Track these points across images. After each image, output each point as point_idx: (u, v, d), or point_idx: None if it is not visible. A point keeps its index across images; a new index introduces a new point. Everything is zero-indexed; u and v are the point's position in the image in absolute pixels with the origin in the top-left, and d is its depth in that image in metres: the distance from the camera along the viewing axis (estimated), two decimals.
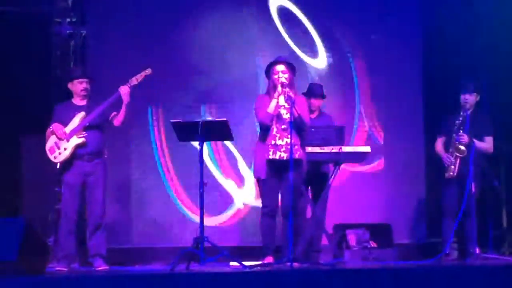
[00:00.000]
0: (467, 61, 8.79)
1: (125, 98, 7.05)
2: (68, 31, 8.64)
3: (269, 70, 7.02)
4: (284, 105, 6.88)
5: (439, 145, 7.72)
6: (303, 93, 7.52)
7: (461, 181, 7.44)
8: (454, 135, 7.49)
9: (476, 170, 7.36)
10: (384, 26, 8.99)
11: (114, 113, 7.14)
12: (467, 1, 8.77)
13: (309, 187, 7.50)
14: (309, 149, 7.09)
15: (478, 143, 7.40)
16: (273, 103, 6.86)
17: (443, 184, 7.63)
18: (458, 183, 7.49)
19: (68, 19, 8.64)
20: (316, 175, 7.42)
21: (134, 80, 7.13)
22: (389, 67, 8.96)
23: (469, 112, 7.52)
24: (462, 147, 7.43)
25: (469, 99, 7.58)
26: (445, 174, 7.54)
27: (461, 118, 7.50)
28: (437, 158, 7.72)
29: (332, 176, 7.32)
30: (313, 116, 7.55)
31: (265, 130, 6.94)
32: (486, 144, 7.55)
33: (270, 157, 6.86)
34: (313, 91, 7.63)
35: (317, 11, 8.93)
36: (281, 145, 6.84)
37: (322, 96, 7.71)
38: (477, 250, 7.40)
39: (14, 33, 8.40)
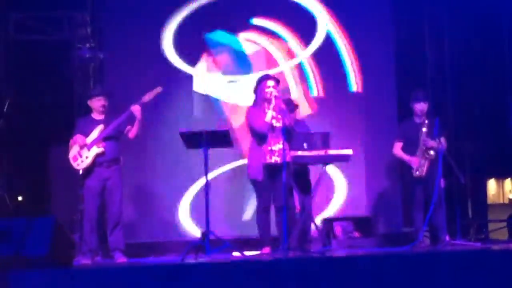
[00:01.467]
0: (436, 63, 8.82)
1: (137, 115, 7.03)
2: (87, 55, 8.66)
3: (258, 85, 7.01)
4: (274, 115, 6.88)
5: (398, 149, 7.64)
6: None
7: (428, 179, 7.40)
8: (422, 140, 7.42)
9: (443, 168, 7.33)
10: (356, 27, 8.90)
11: (129, 127, 7.12)
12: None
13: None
14: (299, 152, 7.10)
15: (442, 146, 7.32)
16: (269, 114, 6.85)
17: (411, 182, 7.53)
18: (425, 180, 7.44)
19: (88, 45, 8.66)
20: (301, 175, 7.43)
21: (146, 98, 7.09)
22: (365, 71, 8.87)
23: (424, 118, 7.48)
24: (432, 152, 7.39)
25: (424, 106, 7.54)
26: (414, 173, 7.45)
27: (425, 125, 7.43)
28: (400, 160, 7.66)
29: (321, 177, 7.34)
30: None
31: (261, 138, 6.92)
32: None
33: (268, 161, 6.87)
34: (288, 107, 7.48)
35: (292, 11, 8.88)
36: (275, 150, 6.85)
37: (295, 108, 7.68)
38: (447, 238, 7.40)
39: (41, 58, 8.45)
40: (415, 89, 7.75)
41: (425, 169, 7.43)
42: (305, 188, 7.48)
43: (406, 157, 7.54)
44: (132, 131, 7.12)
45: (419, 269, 5.76)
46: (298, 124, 7.64)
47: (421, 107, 7.54)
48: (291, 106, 7.58)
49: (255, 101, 7.08)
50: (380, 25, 8.96)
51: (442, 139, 7.41)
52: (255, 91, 7.06)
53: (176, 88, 8.59)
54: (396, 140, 7.69)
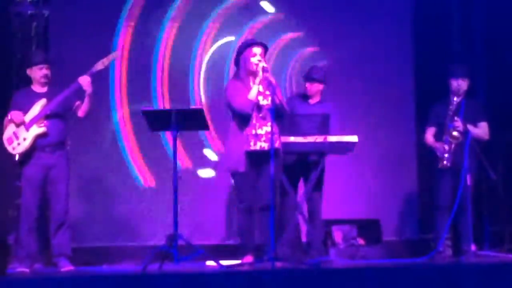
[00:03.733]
0: (461, 45, 8.84)
1: (87, 88, 7.00)
2: (29, 12, 8.62)
3: (241, 53, 6.94)
4: (262, 92, 6.85)
5: (429, 136, 7.75)
6: (303, 76, 7.64)
7: (455, 173, 7.46)
8: (448, 122, 7.50)
9: (471, 160, 7.37)
10: (373, 11, 8.99)
11: (78, 102, 7.10)
12: None
13: (302, 179, 7.56)
14: (291, 138, 7.09)
15: (473, 130, 7.42)
16: (254, 90, 6.81)
17: (435, 176, 7.65)
18: (452, 175, 7.52)
19: None
20: (306, 165, 7.44)
21: (100, 65, 7.07)
22: (377, 54, 8.94)
23: (461, 98, 7.59)
24: (456, 133, 7.45)
25: (462, 84, 7.65)
26: (439, 164, 7.55)
27: (455, 104, 7.55)
28: (429, 149, 7.75)
29: (318, 169, 7.35)
30: (313, 101, 7.59)
31: (244, 119, 6.88)
32: (481, 130, 7.59)
33: (252, 148, 6.84)
34: (311, 75, 7.56)
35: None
36: (261, 135, 6.83)
37: (321, 81, 7.64)
38: (473, 247, 7.42)
39: None
40: (454, 62, 7.88)
41: (450, 158, 7.48)
42: (315, 183, 7.43)
43: (434, 144, 7.66)
44: (82, 108, 7.09)
45: (438, 286, 5.80)
46: (321, 104, 7.64)
47: (457, 84, 7.62)
48: (312, 78, 7.55)
49: (236, 73, 7.03)
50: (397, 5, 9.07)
51: (483, 124, 7.58)
52: (237, 61, 7.01)
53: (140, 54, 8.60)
54: (428, 125, 7.79)
